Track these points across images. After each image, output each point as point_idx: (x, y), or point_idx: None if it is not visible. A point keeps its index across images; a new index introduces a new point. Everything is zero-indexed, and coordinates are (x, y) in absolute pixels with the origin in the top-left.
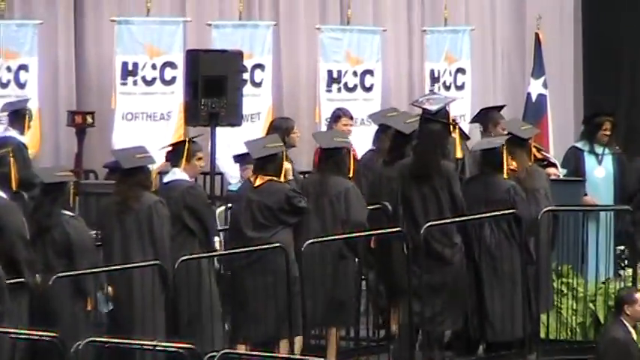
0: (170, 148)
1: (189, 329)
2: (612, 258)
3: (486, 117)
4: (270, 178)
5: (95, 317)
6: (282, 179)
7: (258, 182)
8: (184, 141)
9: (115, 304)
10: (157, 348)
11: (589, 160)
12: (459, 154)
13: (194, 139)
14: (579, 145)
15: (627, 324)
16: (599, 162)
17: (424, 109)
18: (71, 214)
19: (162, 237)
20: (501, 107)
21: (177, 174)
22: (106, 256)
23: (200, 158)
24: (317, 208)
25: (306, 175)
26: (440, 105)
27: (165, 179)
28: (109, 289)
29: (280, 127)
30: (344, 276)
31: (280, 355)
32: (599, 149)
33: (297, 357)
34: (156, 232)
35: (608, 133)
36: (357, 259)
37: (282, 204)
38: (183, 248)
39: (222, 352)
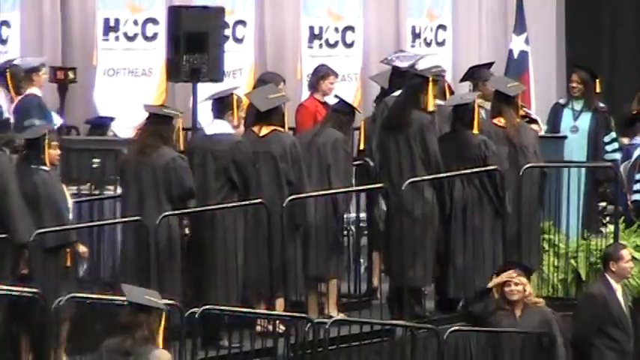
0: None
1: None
2: (585, 214)
3: (476, 75)
4: (275, 127)
5: (75, 273)
6: (286, 129)
7: (263, 132)
8: (231, 93)
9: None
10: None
11: (566, 116)
12: (430, 107)
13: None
14: (561, 100)
15: (611, 280)
16: (575, 118)
17: (394, 67)
18: (46, 168)
19: (182, 193)
20: (490, 64)
21: (223, 126)
22: (122, 209)
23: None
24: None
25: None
26: (410, 62)
27: (209, 131)
28: (81, 248)
29: (268, 82)
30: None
31: (260, 311)
32: (577, 105)
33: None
34: (174, 187)
35: (575, 85)
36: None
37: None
38: (224, 201)
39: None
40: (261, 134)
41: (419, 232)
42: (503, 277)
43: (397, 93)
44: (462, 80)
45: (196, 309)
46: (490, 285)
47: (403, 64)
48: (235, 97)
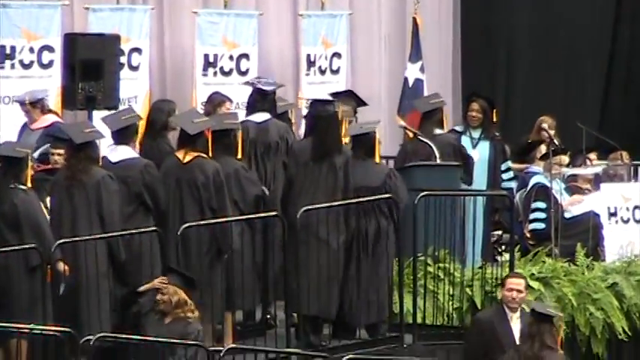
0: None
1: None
2: (483, 243)
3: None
4: (199, 154)
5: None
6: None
7: (187, 158)
8: (138, 119)
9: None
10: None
11: (464, 144)
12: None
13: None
14: (458, 128)
15: (506, 308)
16: (474, 146)
17: (259, 89)
18: (24, 187)
19: (110, 211)
20: (346, 92)
21: (127, 152)
22: (54, 229)
23: None
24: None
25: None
26: (273, 87)
27: (115, 158)
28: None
29: (162, 109)
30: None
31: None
32: (475, 133)
33: None
34: (104, 206)
35: (474, 114)
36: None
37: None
38: (140, 226)
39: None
40: (184, 161)
41: (314, 260)
42: (155, 283)
43: (260, 115)
44: None
45: (91, 336)
46: (141, 289)
47: (267, 88)
48: (140, 122)
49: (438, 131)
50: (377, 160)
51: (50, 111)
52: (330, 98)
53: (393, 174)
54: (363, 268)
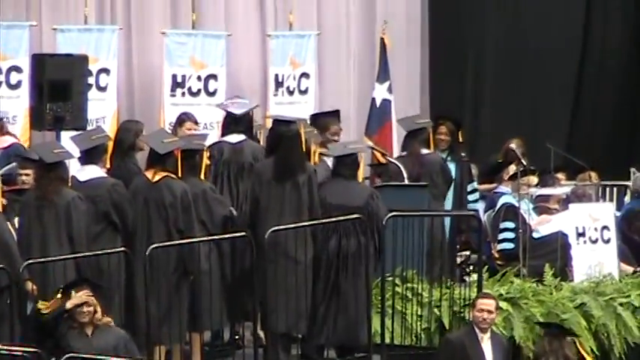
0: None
1: None
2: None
3: (314, 123)
4: (167, 174)
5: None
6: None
7: (156, 178)
8: (107, 139)
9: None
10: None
11: None
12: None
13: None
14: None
15: (476, 329)
16: None
17: (228, 112)
18: None
19: (79, 232)
20: (334, 112)
21: (95, 171)
22: (23, 249)
23: None
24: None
25: None
26: (244, 109)
27: (83, 177)
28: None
29: (129, 130)
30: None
31: None
32: (442, 155)
33: None
34: (74, 227)
35: (443, 137)
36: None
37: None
38: (108, 245)
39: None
40: (153, 180)
41: (282, 277)
42: (81, 297)
43: (235, 137)
44: None
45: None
46: (69, 306)
47: (237, 111)
48: (109, 142)
49: (424, 151)
50: (360, 179)
51: (8, 132)
52: (291, 118)
53: (375, 195)
54: (340, 287)
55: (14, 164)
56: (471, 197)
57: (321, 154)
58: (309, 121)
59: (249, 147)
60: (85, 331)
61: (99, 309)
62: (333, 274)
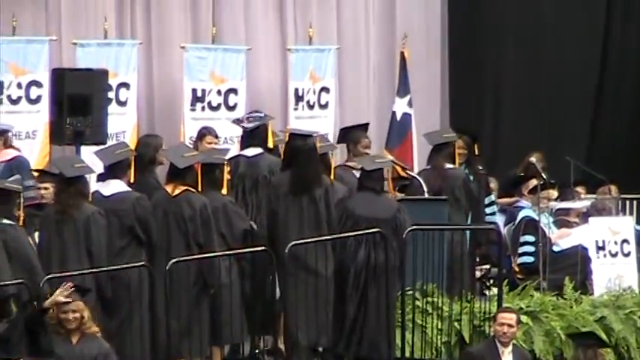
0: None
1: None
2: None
3: (346, 136)
4: (187, 188)
5: None
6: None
7: (176, 192)
8: (130, 154)
9: None
10: None
11: None
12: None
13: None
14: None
15: (497, 343)
16: None
17: (243, 128)
18: (11, 222)
19: (99, 247)
20: (364, 125)
21: (119, 185)
22: (43, 264)
23: None
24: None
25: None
26: (256, 123)
27: (107, 192)
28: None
29: (149, 144)
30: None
31: None
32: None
33: None
34: (93, 242)
35: (460, 151)
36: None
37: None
38: (132, 259)
39: None
40: (173, 194)
41: (303, 291)
42: (59, 296)
43: (252, 150)
44: (338, 142)
45: None
46: (47, 304)
47: (249, 126)
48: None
49: (448, 165)
50: (389, 193)
51: (12, 146)
52: (308, 132)
53: (402, 208)
54: (368, 299)
55: (18, 176)
56: (488, 210)
57: (348, 166)
58: (339, 135)
59: (264, 160)
60: (71, 338)
61: (87, 315)
62: (362, 286)
